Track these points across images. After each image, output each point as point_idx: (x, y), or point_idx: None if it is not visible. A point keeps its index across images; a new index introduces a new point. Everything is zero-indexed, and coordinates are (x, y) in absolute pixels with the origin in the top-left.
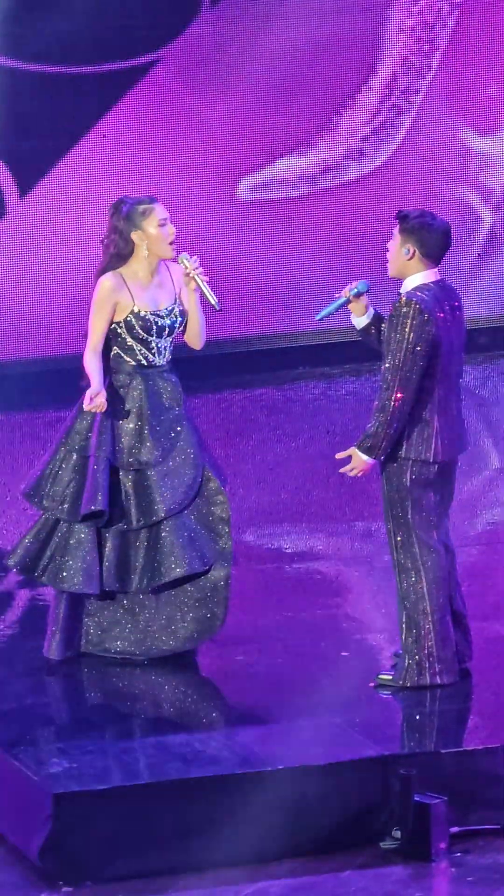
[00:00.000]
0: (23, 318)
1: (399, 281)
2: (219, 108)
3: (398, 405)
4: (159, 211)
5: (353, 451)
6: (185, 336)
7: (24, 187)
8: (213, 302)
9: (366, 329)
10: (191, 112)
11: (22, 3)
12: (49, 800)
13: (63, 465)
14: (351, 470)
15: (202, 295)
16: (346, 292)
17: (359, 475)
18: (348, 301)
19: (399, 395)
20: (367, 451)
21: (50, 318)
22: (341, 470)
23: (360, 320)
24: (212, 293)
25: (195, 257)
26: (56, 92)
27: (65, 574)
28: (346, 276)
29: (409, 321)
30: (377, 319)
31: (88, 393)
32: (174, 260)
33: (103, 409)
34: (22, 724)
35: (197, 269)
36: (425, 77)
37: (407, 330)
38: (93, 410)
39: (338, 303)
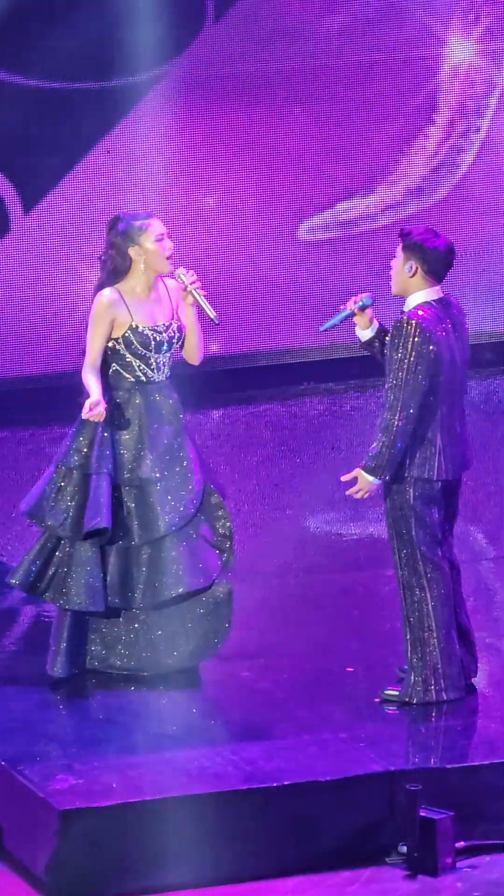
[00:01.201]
0: (27, 334)
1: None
2: (224, 123)
3: (401, 425)
4: (156, 226)
5: (359, 472)
6: (183, 351)
7: (29, 203)
8: (211, 316)
9: (370, 342)
10: (195, 127)
11: (27, 20)
12: (55, 816)
13: (64, 483)
14: (357, 492)
15: (200, 309)
16: (351, 305)
17: (365, 497)
18: (353, 314)
19: (401, 414)
20: (371, 472)
21: (54, 335)
22: (348, 492)
23: (364, 333)
24: (210, 307)
25: (192, 272)
26: (60, 108)
27: (69, 592)
28: (351, 292)
29: (410, 340)
30: (381, 333)
31: (88, 402)
32: (171, 275)
33: (101, 419)
34: (27, 740)
35: (194, 283)
36: (484, 116)
37: (408, 349)
38: (91, 419)
39: (342, 315)
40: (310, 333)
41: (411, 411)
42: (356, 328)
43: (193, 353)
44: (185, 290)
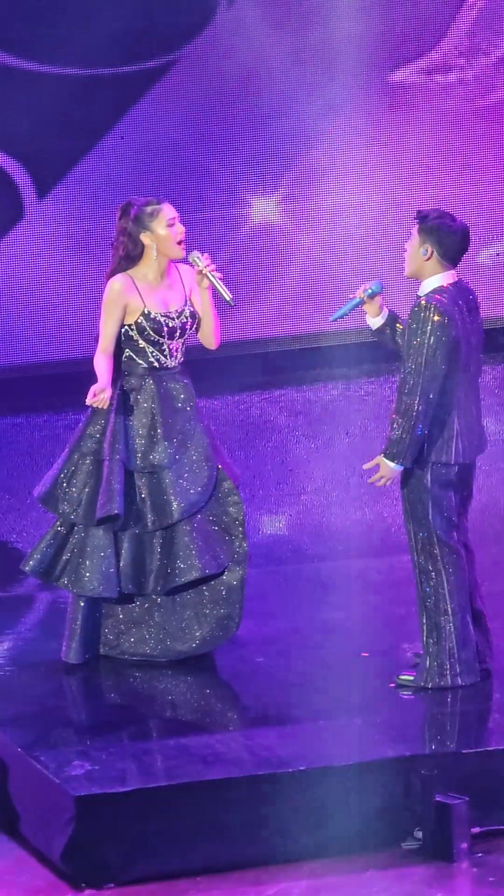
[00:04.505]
0: (43, 320)
1: (414, 281)
2: (237, 108)
3: (422, 409)
4: (167, 211)
5: (380, 459)
6: (200, 336)
7: (43, 189)
8: (227, 298)
9: (380, 329)
10: (207, 113)
11: (40, 7)
12: (71, 802)
13: (77, 469)
14: (379, 479)
15: (216, 292)
16: (361, 293)
17: (387, 484)
18: (362, 302)
19: (421, 399)
20: (393, 458)
21: (70, 321)
22: (370, 480)
23: (374, 321)
24: (226, 289)
25: (206, 255)
26: (74, 94)
27: (83, 578)
28: (363, 277)
29: (429, 324)
30: (392, 320)
31: (93, 388)
32: (185, 259)
33: (105, 405)
34: (42, 726)
35: (209, 266)
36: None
37: (427, 333)
38: (95, 405)
39: (352, 304)
40: (324, 319)
41: (431, 396)
42: (366, 316)
43: (210, 337)
44: (200, 273)
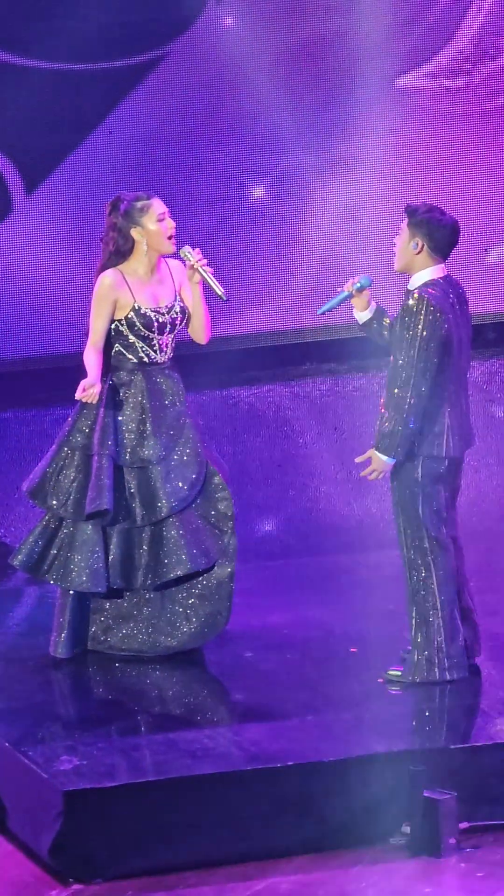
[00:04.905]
0: (30, 315)
1: (403, 276)
2: (227, 103)
3: (414, 402)
4: (157, 206)
5: (373, 453)
6: (190, 331)
7: (31, 184)
8: (219, 293)
9: (368, 324)
10: (197, 108)
11: (28, 1)
12: (59, 797)
13: (66, 464)
14: (371, 472)
15: (207, 287)
16: (349, 287)
17: (379, 477)
18: (350, 296)
19: (414, 392)
20: (385, 451)
21: (57, 316)
22: (362, 474)
23: (362, 315)
24: (217, 284)
25: (197, 249)
26: (62, 89)
27: (71, 573)
28: (352, 272)
29: (421, 317)
30: (380, 314)
31: (83, 383)
32: (175, 254)
33: (94, 401)
34: (31, 721)
35: (200, 260)
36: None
37: (420, 326)
38: (85, 400)
39: (340, 297)
40: (312, 314)
41: (423, 389)
42: (354, 310)
43: (200, 332)
44: (191, 268)
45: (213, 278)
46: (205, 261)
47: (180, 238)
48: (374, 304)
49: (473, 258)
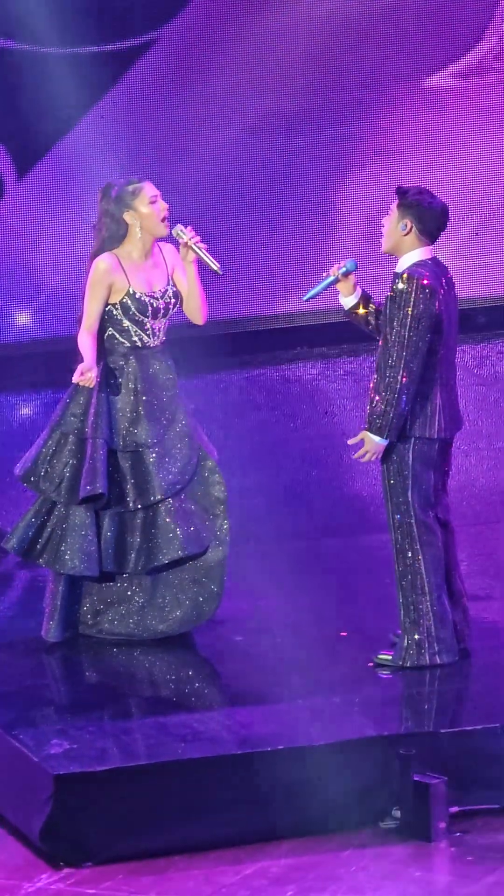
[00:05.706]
0: (22, 299)
1: (390, 258)
2: (218, 87)
3: (405, 382)
4: (149, 189)
5: (365, 434)
6: (186, 312)
7: (23, 169)
8: (214, 268)
9: (353, 308)
10: (189, 92)
11: None
12: (49, 781)
13: (59, 448)
14: (364, 454)
15: (203, 265)
16: (335, 271)
17: (372, 459)
18: (336, 280)
19: (405, 372)
20: (378, 431)
21: (49, 299)
22: (355, 456)
23: (347, 300)
24: (212, 259)
25: (190, 227)
26: (54, 73)
27: (64, 557)
28: (339, 256)
29: (412, 297)
30: (365, 300)
31: (80, 367)
32: (169, 236)
33: (92, 385)
34: (21, 705)
35: (194, 238)
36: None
37: (411, 306)
38: (82, 384)
39: (325, 282)
40: (302, 298)
41: (414, 368)
42: (339, 295)
43: (197, 312)
44: (185, 245)
45: (207, 254)
46: (198, 238)
47: (174, 222)
48: (359, 290)
49: (465, 242)
